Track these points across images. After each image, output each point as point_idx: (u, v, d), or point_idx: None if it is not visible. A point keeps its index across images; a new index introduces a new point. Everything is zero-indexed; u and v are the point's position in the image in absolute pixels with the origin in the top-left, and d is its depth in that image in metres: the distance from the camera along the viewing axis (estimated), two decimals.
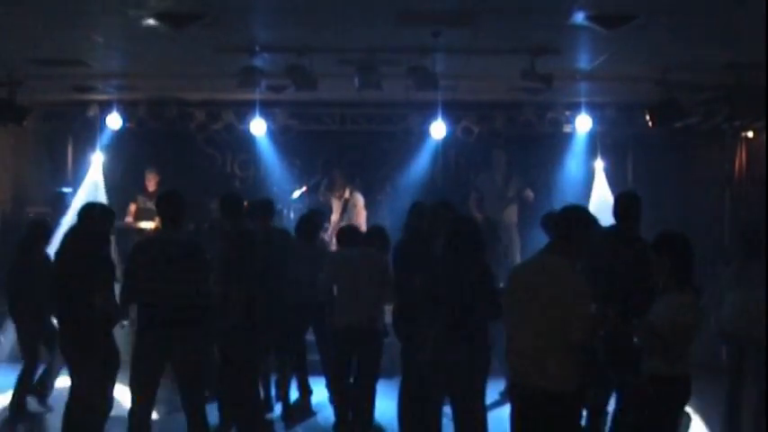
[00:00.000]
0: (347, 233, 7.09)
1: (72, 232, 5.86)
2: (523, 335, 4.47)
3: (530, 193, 10.56)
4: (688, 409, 4.66)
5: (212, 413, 5.86)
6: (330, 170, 11.38)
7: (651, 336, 4.53)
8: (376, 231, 7.16)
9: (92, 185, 11.56)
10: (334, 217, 10.75)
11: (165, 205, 5.63)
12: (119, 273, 6.03)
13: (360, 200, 10.71)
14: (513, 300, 4.58)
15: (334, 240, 10.13)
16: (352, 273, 6.54)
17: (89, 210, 5.97)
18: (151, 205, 10.75)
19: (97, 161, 11.64)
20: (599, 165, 11.49)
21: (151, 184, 11.09)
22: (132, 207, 11.02)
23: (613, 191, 11.50)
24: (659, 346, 4.51)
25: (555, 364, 4.33)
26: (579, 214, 4.59)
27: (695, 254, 4.62)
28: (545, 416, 4.39)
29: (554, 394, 4.33)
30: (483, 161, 11.34)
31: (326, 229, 10.61)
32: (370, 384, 6.61)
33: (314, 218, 7.85)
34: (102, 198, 10.89)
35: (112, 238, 8.12)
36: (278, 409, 7.36)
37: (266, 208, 7.41)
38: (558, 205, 9.83)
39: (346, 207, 10.61)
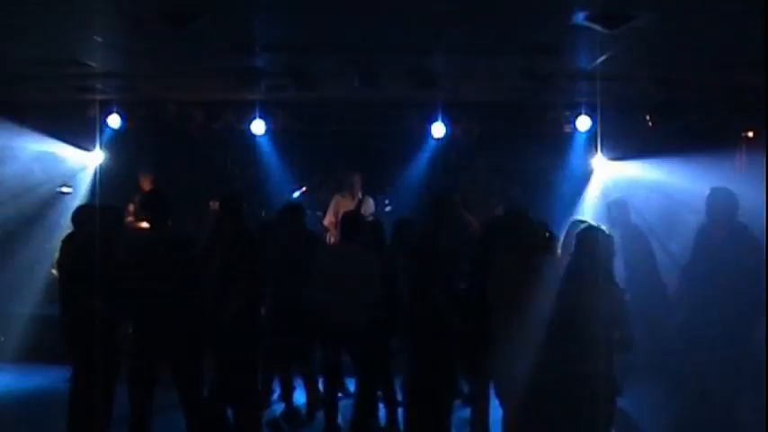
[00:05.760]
0: (350, 221, 6.95)
1: (71, 234, 5.86)
2: None
3: (515, 191, 10.49)
4: None
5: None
6: (334, 170, 11.36)
7: None
8: (371, 226, 7.13)
9: (91, 186, 11.57)
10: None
11: (150, 205, 5.68)
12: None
13: (371, 204, 10.62)
14: None
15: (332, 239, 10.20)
16: (337, 270, 6.43)
17: (84, 211, 5.93)
18: None
19: (96, 161, 11.64)
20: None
21: (146, 185, 10.99)
22: (131, 207, 10.99)
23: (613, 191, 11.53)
24: None
25: None
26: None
27: None
28: None
29: None
30: (470, 162, 11.32)
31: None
32: (366, 386, 6.51)
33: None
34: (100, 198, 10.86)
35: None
36: (279, 408, 7.36)
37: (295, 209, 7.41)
38: (557, 205, 9.84)
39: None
